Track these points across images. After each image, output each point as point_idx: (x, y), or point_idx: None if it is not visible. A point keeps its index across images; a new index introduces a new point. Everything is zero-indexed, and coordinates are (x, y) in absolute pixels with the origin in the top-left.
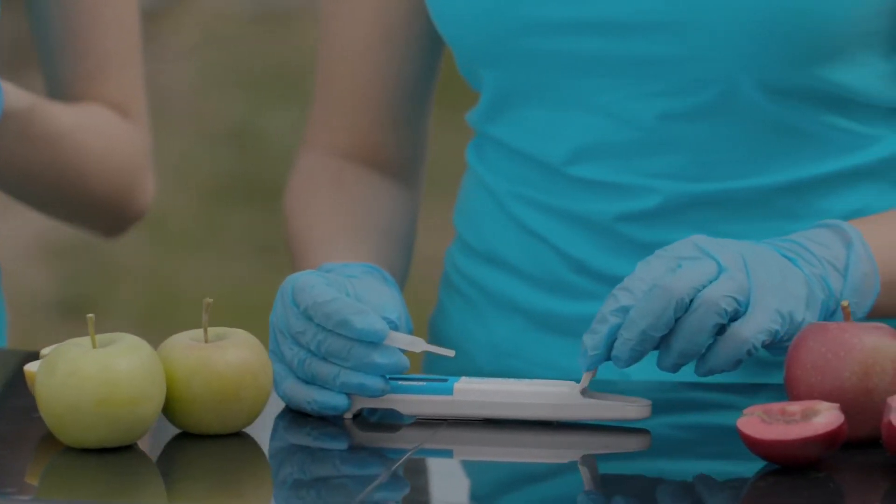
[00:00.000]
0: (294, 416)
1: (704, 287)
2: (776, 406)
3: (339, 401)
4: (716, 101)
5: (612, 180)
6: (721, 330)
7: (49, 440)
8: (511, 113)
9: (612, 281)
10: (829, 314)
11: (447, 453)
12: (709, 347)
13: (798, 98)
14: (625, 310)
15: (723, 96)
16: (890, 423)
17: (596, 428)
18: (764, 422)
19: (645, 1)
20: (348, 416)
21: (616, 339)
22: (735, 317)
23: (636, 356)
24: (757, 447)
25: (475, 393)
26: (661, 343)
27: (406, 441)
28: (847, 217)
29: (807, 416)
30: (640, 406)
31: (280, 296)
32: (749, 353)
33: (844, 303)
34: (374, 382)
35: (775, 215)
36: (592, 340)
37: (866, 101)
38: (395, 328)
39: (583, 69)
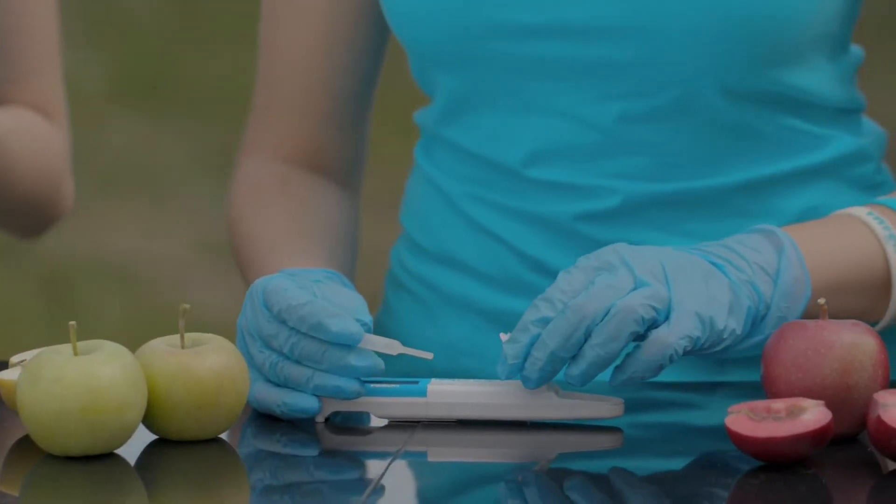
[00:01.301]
0: (266, 421)
1: (620, 299)
2: (761, 404)
3: (309, 403)
4: (675, 103)
5: (571, 181)
6: (637, 339)
7: (22, 448)
8: (468, 116)
9: None
10: (758, 319)
11: (423, 455)
12: (629, 355)
13: (756, 100)
14: (545, 321)
15: (682, 99)
16: (879, 418)
17: (569, 427)
18: (752, 420)
19: (606, 6)
20: (320, 419)
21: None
22: (654, 325)
23: (546, 376)
24: (747, 445)
25: (449, 394)
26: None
27: (380, 444)
28: (802, 215)
29: (793, 413)
30: (612, 405)
31: (249, 299)
32: (671, 358)
33: (821, 300)
34: (350, 385)
35: (732, 214)
36: (514, 350)
37: (819, 103)
38: (369, 331)
39: (543, 73)
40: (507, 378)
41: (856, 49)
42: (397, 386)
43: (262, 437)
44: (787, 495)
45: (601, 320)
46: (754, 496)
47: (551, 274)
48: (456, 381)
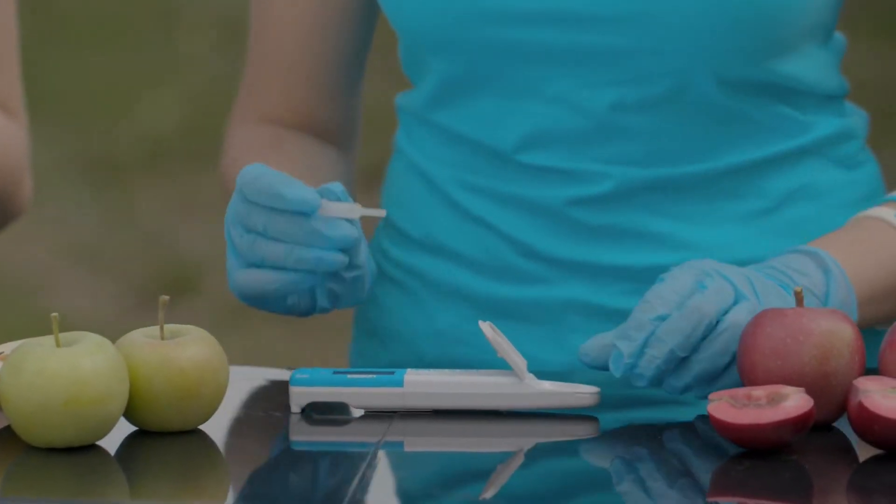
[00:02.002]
0: (244, 412)
1: (729, 310)
2: (741, 391)
3: (331, 256)
4: (669, 92)
5: (563, 167)
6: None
7: (3, 441)
8: (459, 100)
9: (562, 264)
10: None
11: (401, 445)
12: (723, 371)
13: (748, 89)
14: (662, 318)
15: (676, 88)
16: (861, 404)
17: (545, 416)
18: (734, 407)
19: None
20: (295, 409)
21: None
22: None
23: (660, 375)
24: (730, 432)
25: (425, 384)
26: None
27: (359, 434)
28: (789, 194)
29: (774, 400)
30: (589, 394)
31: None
32: None
33: (797, 288)
34: (332, 255)
35: (718, 196)
36: (629, 348)
37: (808, 90)
38: (342, 199)
39: (537, 58)
40: (622, 375)
41: (839, 36)
42: (374, 376)
43: (241, 429)
44: (772, 481)
45: (715, 325)
46: (740, 482)
47: (542, 258)
48: (432, 370)
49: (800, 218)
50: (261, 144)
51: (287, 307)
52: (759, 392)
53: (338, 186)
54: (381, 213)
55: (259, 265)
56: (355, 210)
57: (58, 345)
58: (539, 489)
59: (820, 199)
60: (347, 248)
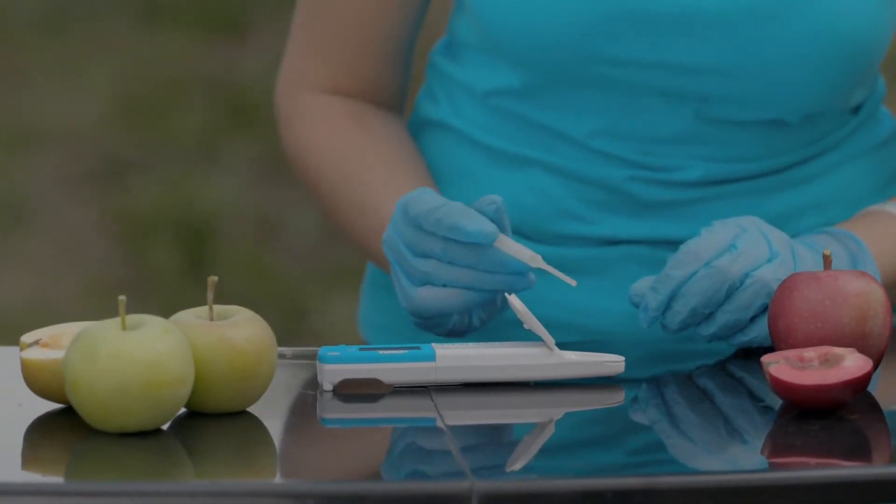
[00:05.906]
0: (286, 392)
1: (760, 267)
2: (792, 353)
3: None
4: (755, 122)
5: (633, 158)
6: (765, 309)
7: (43, 429)
8: (533, 95)
9: (619, 239)
10: None
11: (431, 420)
12: (753, 321)
13: (824, 113)
14: (689, 274)
15: (762, 118)
16: None
17: (570, 385)
18: (794, 368)
19: (713, 51)
20: (328, 387)
21: (669, 305)
22: None
23: (685, 327)
24: (795, 392)
25: (458, 358)
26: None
27: (395, 410)
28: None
29: (829, 361)
30: (615, 362)
31: (395, 213)
32: None
33: (826, 252)
34: (521, 280)
35: (781, 173)
36: (655, 301)
37: (861, 102)
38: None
39: (634, 92)
40: (649, 325)
41: None
42: (406, 352)
43: (286, 406)
44: (852, 440)
45: (739, 285)
46: (822, 442)
47: (601, 232)
48: (460, 344)
49: (831, 163)
50: (344, 123)
51: (450, 327)
52: (810, 354)
53: (499, 200)
54: (569, 280)
55: (438, 285)
56: (536, 260)
57: (124, 328)
58: (575, 458)
59: (845, 146)
60: (525, 272)
